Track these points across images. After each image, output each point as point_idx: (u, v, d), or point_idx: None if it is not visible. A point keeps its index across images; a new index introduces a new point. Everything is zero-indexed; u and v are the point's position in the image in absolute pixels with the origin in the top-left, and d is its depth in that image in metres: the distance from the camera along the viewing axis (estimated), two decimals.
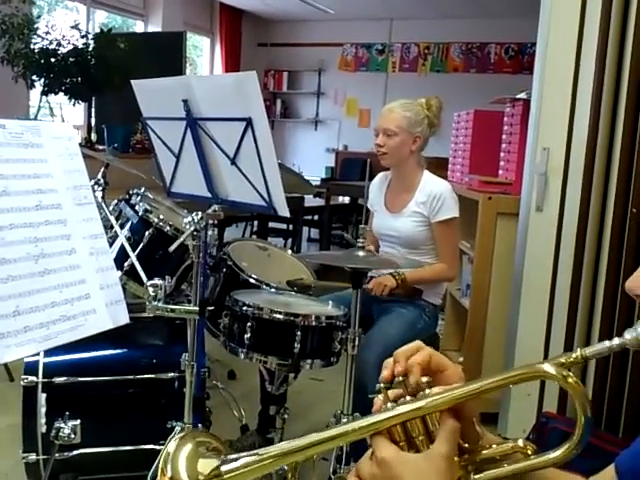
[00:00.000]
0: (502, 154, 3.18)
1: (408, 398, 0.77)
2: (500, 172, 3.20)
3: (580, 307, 2.36)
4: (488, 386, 0.75)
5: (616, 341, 0.71)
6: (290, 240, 6.52)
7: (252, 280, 2.26)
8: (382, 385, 0.80)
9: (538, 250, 2.51)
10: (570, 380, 0.71)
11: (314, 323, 1.96)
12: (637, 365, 2.17)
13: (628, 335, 0.70)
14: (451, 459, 0.74)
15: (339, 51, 9.83)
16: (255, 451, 0.77)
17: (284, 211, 1.71)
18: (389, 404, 0.78)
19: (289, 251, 2.83)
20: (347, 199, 7.23)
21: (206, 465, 0.76)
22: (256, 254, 2.59)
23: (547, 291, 2.47)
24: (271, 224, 6.44)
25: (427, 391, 0.77)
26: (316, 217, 7.10)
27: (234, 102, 1.65)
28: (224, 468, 0.76)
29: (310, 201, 6.11)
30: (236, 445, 2.52)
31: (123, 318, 1.15)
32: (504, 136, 3.15)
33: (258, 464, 0.76)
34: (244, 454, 0.77)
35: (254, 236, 6.24)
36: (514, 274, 2.65)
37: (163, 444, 2.09)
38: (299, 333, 1.92)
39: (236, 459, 0.77)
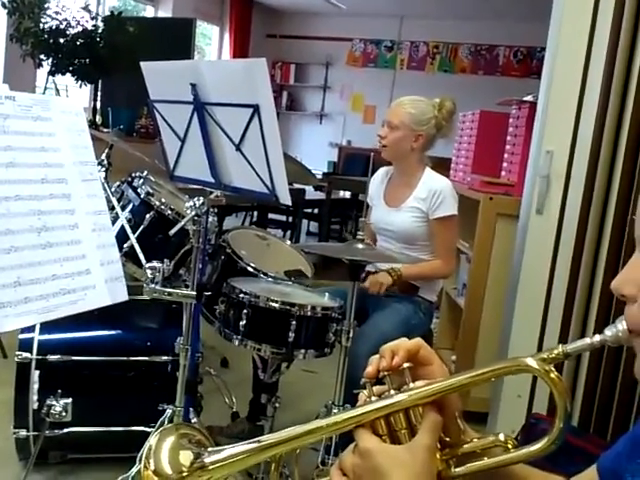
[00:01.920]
0: (505, 155, 3.19)
1: (392, 392, 0.78)
2: (502, 173, 3.20)
3: (575, 311, 2.37)
4: (471, 379, 0.76)
5: (597, 338, 0.72)
6: (289, 232, 6.52)
7: (250, 269, 2.26)
8: (367, 380, 0.81)
9: (536, 252, 2.52)
10: (552, 375, 0.72)
11: (309, 313, 1.97)
12: (628, 369, 2.18)
13: (608, 332, 0.72)
14: (432, 451, 0.75)
15: (348, 46, 9.82)
16: (239, 443, 0.78)
17: (286, 199, 1.72)
18: (373, 398, 0.78)
19: (288, 242, 2.84)
20: (348, 194, 7.24)
21: (189, 457, 0.77)
22: (255, 243, 2.59)
23: (543, 293, 2.47)
24: (271, 215, 6.45)
25: (410, 385, 0.78)
26: (316, 211, 7.10)
27: (242, 88, 1.66)
28: (208, 460, 0.77)
29: (310, 194, 6.11)
30: (226, 432, 2.54)
31: (122, 295, 1.16)
32: (508, 138, 3.15)
33: (242, 456, 0.77)
34: (227, 446, 0.78)
35: (253, 226, 6.24)
36: (511, 275, 2.65)
37: (154, 426, 2.10)
38: (294, 322, 1.93)
39: (219, 451, 0.78)
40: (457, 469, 0.78)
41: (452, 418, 0.79)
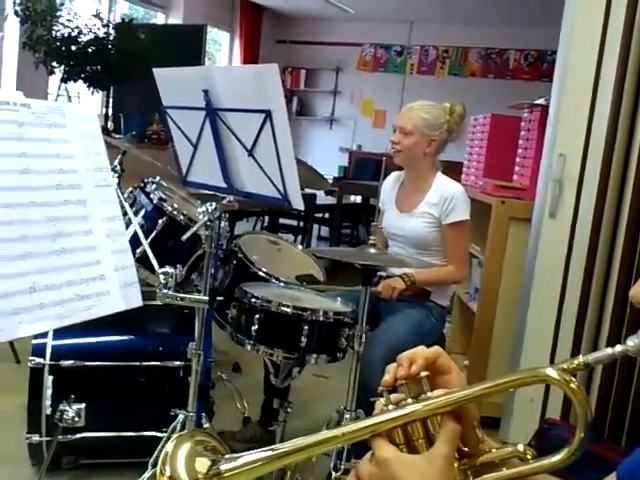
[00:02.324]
0: (517, 159, 3.18)
1: (410, 401, 0.77)
2: (515, 177, 3.19)
3: (589, 315, 2.35)
4: (490, 389, 0.75)
5: (618, 348, 0.71)
6: (300, 237, 6.53)
7: (262, 273, 2.26)
8: (384, 388, 0.79)
9: (549, 256, 2.50)
10: (572, 385, 0.70)
11: (322, 318, 1.96)
12: None
13: (631, 342, 0.70)
14: (450, 460, 0.74)
15: (358, 51, 9.83)
16: (254, 450, 0.77)
17: (299, 204, 1.72)
18: (390, 406, 0.78)
19: (300, 246, 2.84)
20: (359, 198, 7.24)
21: (205, 464, 0.76)
22: (267, 248, 2.59)
23: (556, 298, 2.46)
24: (281, 220, 6.44)
25: (428, 394, 0.77)
26: (327, 215, 7.10)
27: (254, 94, 1.66)
28: (224, 467, 0.76)
29: (321, 199, 6.11)
30: (238, 436, 2.54)
31: (136, 300, 1.16)
32: (520, 141, 3.14)
33: (257, 463, 0.76)
34: (243, 454, 0.77)
35: (264, 231, 6.25)
36: (524, 279, 2.64)
37: (166, 431, 2.10)
38: (306, 327, 1.92)
39: (236, 458, 0.77)
40: (475, 479, 0.77)
41: (470, 427, 0.77)
